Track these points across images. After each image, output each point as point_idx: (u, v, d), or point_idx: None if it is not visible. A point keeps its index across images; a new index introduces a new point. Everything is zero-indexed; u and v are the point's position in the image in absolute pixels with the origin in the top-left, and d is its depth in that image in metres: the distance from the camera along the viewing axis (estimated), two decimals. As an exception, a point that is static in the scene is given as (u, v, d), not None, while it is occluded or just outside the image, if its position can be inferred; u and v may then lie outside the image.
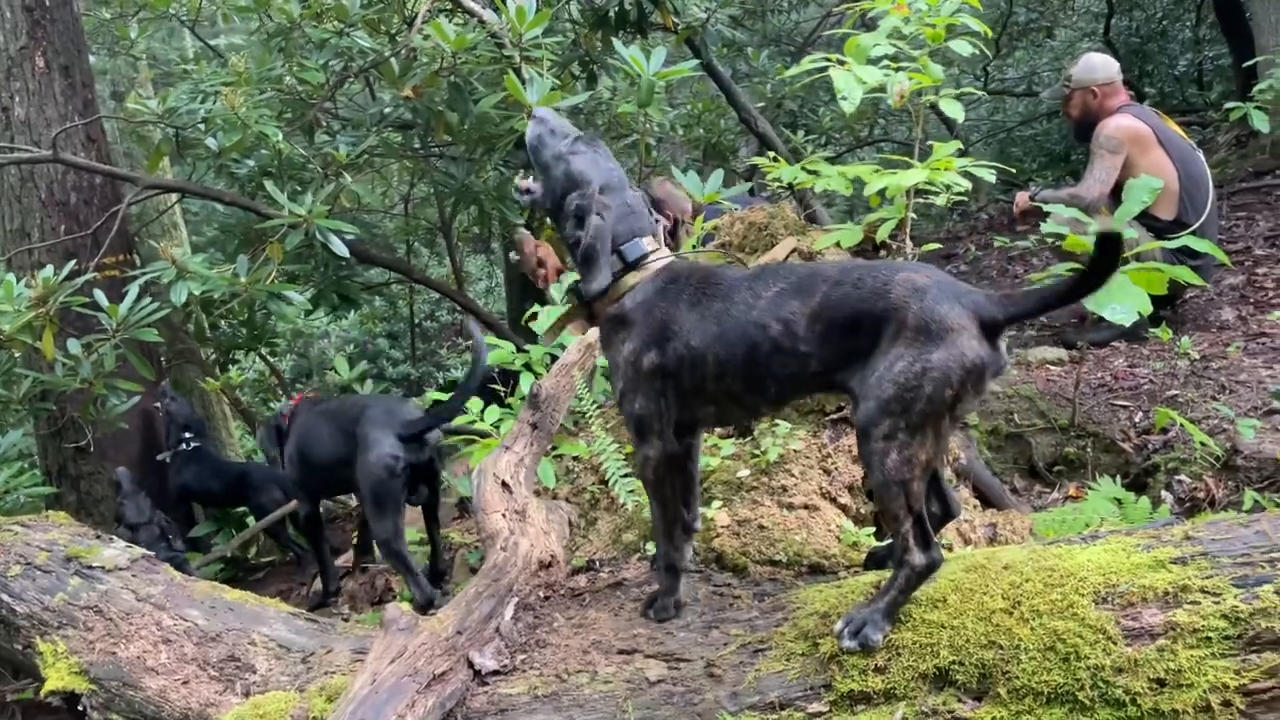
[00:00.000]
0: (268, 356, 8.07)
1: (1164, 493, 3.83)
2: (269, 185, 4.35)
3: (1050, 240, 4.36)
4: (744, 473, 2.76)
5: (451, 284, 8.23)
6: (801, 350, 2.09)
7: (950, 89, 3.14)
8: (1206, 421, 3.95)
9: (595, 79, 5.86)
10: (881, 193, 2.88)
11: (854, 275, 2.09)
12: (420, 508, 3.58)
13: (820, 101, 10.00)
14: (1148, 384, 4.39)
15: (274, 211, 4.38)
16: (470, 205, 6.17)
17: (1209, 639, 1.81)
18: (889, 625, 2.04)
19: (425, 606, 3.21)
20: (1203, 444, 3.72)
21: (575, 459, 3.33)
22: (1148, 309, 3.46)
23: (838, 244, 3.04)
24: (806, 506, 2.65)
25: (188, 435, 5.52)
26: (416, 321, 11.35)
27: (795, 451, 2.77)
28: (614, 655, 2.27)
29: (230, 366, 8.33)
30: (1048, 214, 4.11)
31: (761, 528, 2.59)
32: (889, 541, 2.51)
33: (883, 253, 3.12)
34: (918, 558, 2.03)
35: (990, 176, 2.98)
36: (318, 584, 4.39)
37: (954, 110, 3.00)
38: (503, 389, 3.89)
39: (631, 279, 2.27)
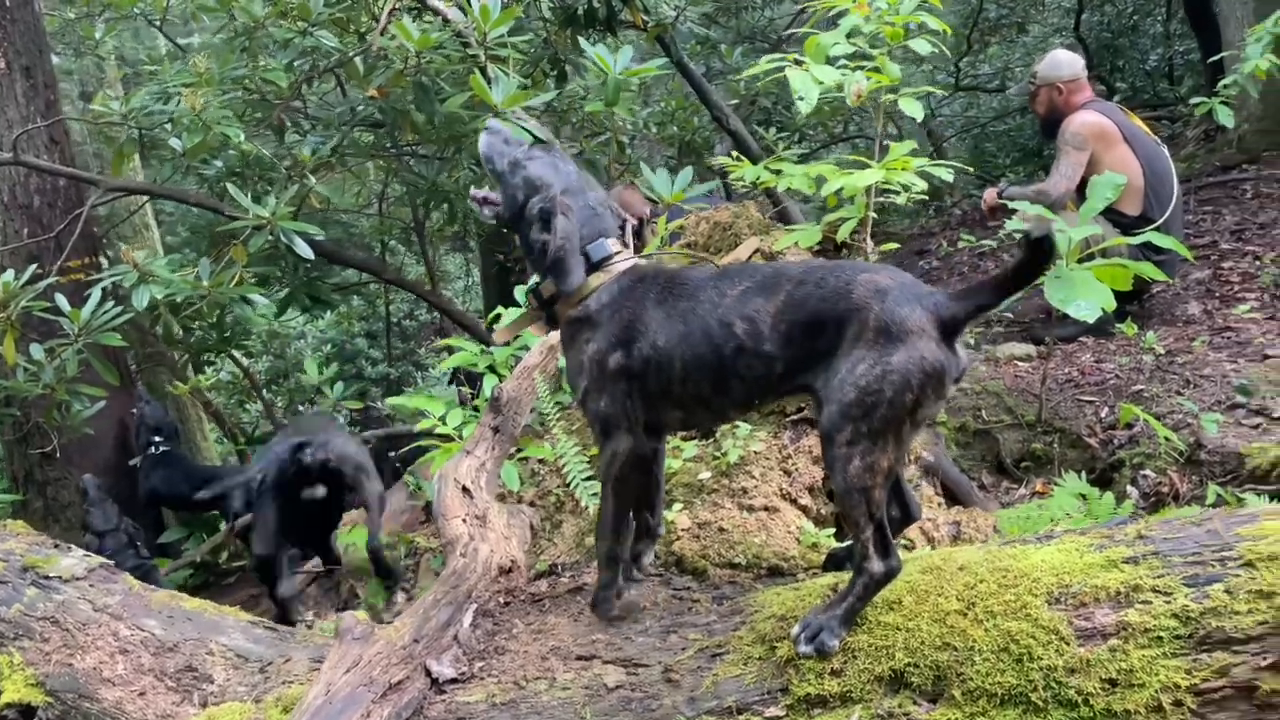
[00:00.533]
0: (240, 359, 8.00)
1: (1129, 488, 3.84)
2: (231, 188, 4.31)
3: (1017, 236, 4.36)
4: (705, 475, 2.75)
5: (426, 283, 8.20)
6: (766, 350, 2.08)
7: (922, 85, 3.14)
8: (1171, 416, 3.97)
9: (565, 77, 5.83)
10: (839, 192, 2.88)
11: (817, 275, 2.08)
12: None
13: (793, 98, 9.99)
14: (1114, 379, 4.41)
15: (240, 213, 4.34)
16: (441, 204, 6.14)
17: (1160, 639, 1.81)
18: (845, 631, 2.03)
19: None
20: (1167, 439, 3.74)
21: (541, 461, 3.32)
22: (1111, 305, 3.47)
23: (796, 243, 3.03)
24: (767, 508, 2.64)
25: (157, 439, 5.47)
26: (395, 321, 11.29)
27: (756, 453, 2.76)
28: (572, 661, 2.26)
29: (206, 368, 8.27)
30: (1015, 210, 4.12)
31: (722, 530, 2.58)
32: (848, 543, 2.50)
33: (845, 252, 3.12)
34: (877, 565, 2.02)
35: (948, 176, 2.98)
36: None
37: (913, 109, 3.00)
38: (470, 390, 3.87)
39: (595, 280, 2.25)
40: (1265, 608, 1.76)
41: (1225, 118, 5.15)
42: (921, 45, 3.03)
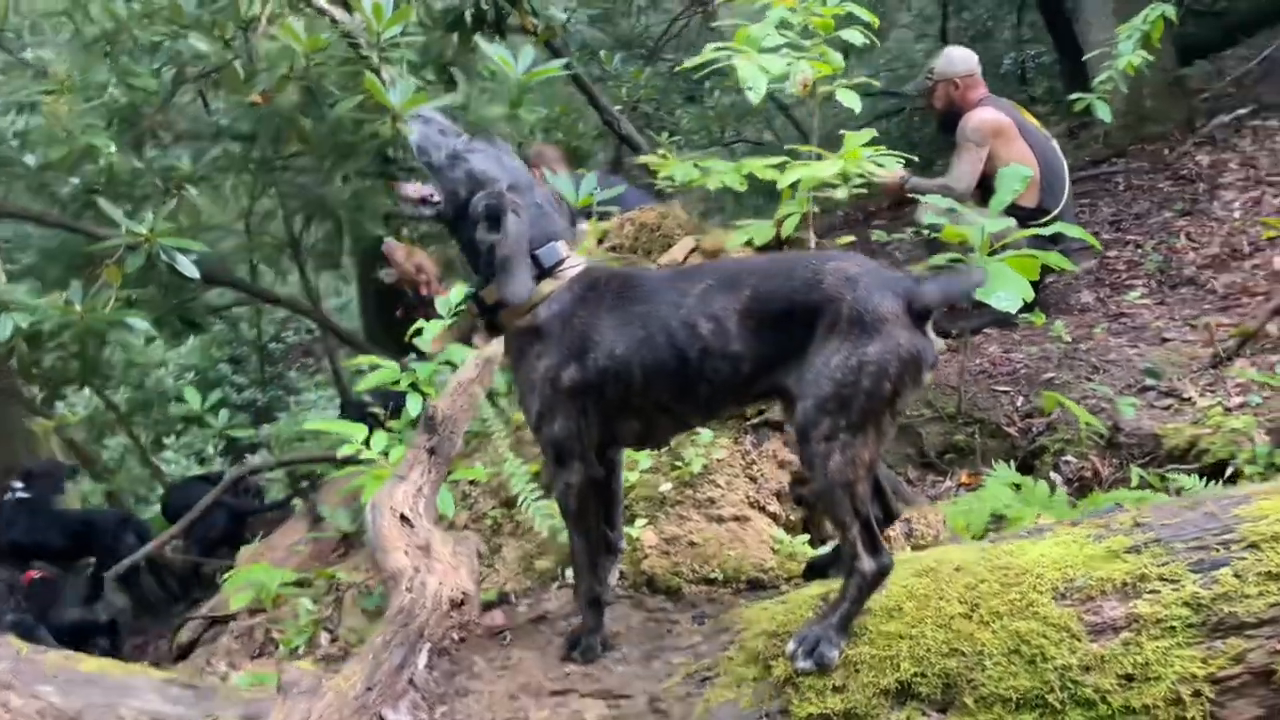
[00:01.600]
0: (102, 390, 7.42)
1: (1052, 474, 3.90)
2: (103, 203, 3.93)
3: (927, 232, 4.40)
4: (666, 486, 2.61)
5: (307, 303, 7.80)
6: (733, 350, 1.98)
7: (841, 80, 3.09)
8: (1084, 401, 4.05)
9: (455, 82, 5.60)
10: (795, 185, 2.80)
11: (784, 267, 2.01)
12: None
13: (676, 104, 10.02)
14: (1024, 368, 4.49)
15: (108, 231, 3.97)
16: (326, 219, 5.81)
17: (1173, 628, 1.76)
18: (844, 640, 1.92)
19: None
20: (1087, 424, 3.80)
21: (472, 483, 3.11)
22: (1030, 295, 3.51)
23: (749, 242, 2.94)
24: (736, 518, 2.51)
25: (16, 485, 5.00)
26: (263, 344, 10.73)
27: (719, 461, 2.63)
28: (546, 698, 2.08)
29: (58, 402, 7.63)
30: (916, 201, 4.14)
31: (692, 544, 2.44)
32: (826, 549, 2.41)
33: (787, 248, 3.04)
34: (868, 564, 1.93)
35: (896, 165, 2.95)
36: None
37: (851, 100, 2.96)
38: (383, 412, 3.62)
39: (546, 287, 2.09)
40: (1276, 589, 1.73)
41: (1104, 113, 5.31)
42: (854, 36, 3.00)
